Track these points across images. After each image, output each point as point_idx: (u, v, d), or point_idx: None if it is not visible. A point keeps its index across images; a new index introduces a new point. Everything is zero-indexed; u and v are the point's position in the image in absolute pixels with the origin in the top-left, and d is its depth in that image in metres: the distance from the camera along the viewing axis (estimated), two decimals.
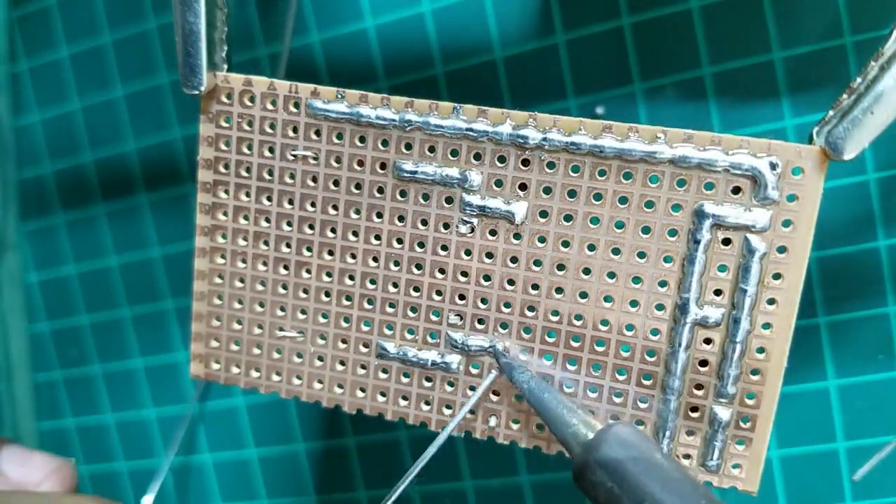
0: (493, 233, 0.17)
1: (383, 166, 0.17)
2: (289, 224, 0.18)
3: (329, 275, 0.18)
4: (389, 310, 0.18)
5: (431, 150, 0.17)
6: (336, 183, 0.17)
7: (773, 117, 0.20)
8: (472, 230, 0.17)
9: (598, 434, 0.15)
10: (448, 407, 0.18)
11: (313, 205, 0.17)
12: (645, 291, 0.16)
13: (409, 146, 0.17)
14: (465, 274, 0.17)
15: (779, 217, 0.15)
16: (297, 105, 0.17)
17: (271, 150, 0.17)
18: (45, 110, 0.27)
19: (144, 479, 0.27)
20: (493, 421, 0.17)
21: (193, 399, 0.26)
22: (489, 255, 0.17)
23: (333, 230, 0.18)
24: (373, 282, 0.18)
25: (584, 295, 0.16)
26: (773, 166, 0.15)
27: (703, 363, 0.16)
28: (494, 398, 0.17)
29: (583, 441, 0.15)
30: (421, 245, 0.17)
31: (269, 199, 0.18)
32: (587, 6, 0.21)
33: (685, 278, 0.16)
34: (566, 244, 0.16)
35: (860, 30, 0.20)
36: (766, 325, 0.16)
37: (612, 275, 0.16)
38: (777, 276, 0.15)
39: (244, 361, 0.19)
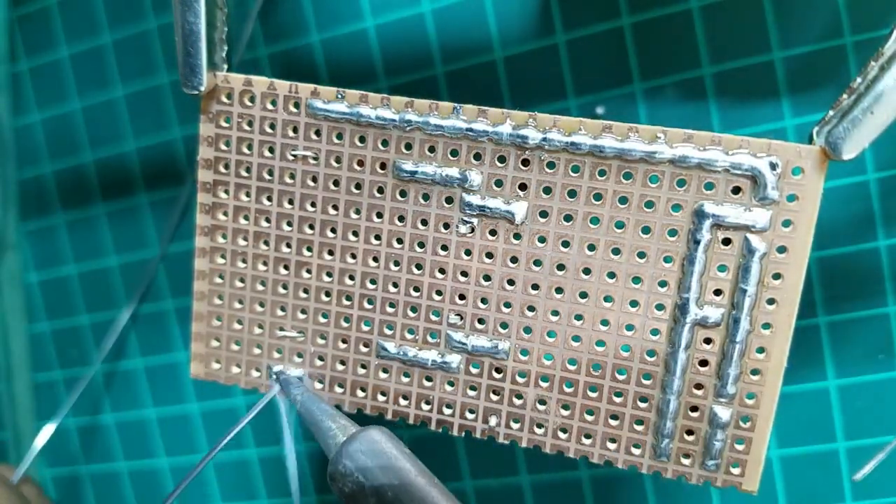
0: (493, 233, 0.17)
1: (383, 166, 0.17)
2: (289, 224, 0.18)
3: (329, 275, 0.18)
4: (389, 309, 0.18)
5: (431, 150, 0.17)
6: (336, 183, 0.17)
7: (773, 117, 0.20)
8: (472, 230, 0.17)
9: (349, 437, 0.16)
10: (448, 406, 0.18)
11: (313, 205, 0.17)
12: (645, 291, 0.16)
13: (409, 146, 0.17)
14: (465, 274, 0.17)
15: (779, 217, 0.15)
16: (297, 105, 0.17)
17: (271, 150, 0.17)
18: (45, 110, 0.27)
19: (144, 479, 0.27)
20: (493, 421, 0.17)
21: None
22: (489, 255, 0.17)
23: (333, 230, 0.18)
24: (373, 282, 0.18)
25: (584, 295, 0.16)
26: (773, 166, 0.15)
27: (703, 363, 0.16)
28: (495, 397, 0.17)
29: (338, 443, 0.16)
30: (421, 245, 0.17)
31: (270, 199, 0.18)
32: (587, 6, 0.21)
33: (685, 278, 0.16)
34: (566, 244, 0.16)
35: (860, 30, 0.20)
36: (766, 325, 0.16)
37: (612, 275, 0.16)
38: (777, 276, 0.15)
39: (244, 361, 0.19)
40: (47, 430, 0.26)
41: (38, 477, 0.29)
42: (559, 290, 0.17)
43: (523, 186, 0.16)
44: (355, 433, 0.16)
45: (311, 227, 0.18)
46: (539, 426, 0.17)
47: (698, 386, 0.16)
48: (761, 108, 0.21)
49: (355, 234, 0.17)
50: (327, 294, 0.18)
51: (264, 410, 0.26)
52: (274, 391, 0.18)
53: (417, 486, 0.15)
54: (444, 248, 0.17)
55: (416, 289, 0.17)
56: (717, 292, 0.16)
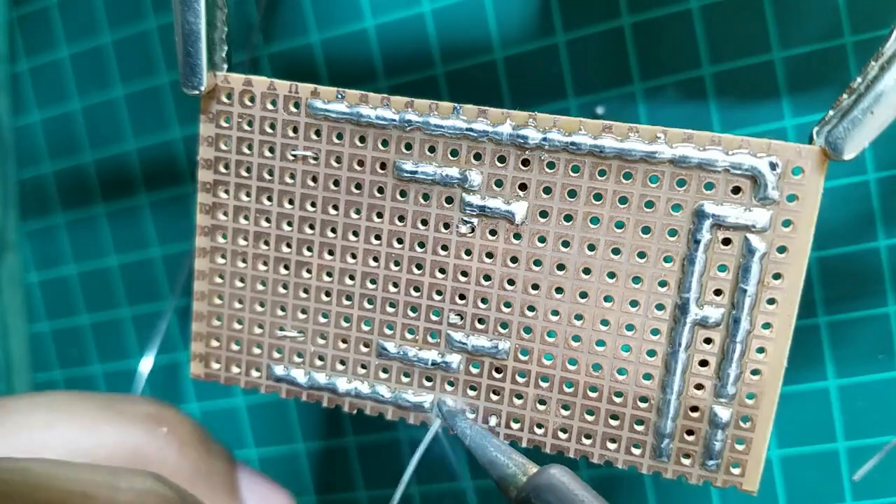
0: (493, 233, 0.17)
1: (383, 166, 0.17)
2: (289, 224, 0.18)
3: (329, 274, 0.18)
4: (390, 309, 0.18)
5: (431, 150, 0.17)
6: (336, 183, 0.17)
7: (773, 117, 0.20)
8: (473, 230, 0.17)
9: (531, 478, 0.15)
10: None
11: (313, 205, 0.17)
12: (645, 291, 0.16)
13: (409, 146, 0.17)
14: (465, 274, 0.17)
15: (779, 217, 0.15)
16: (297, 105, 0.17)
17: (271, 149, 0.17)
18: (45, 110, 0.27)
19: None
20: (493, 421, 0.17)
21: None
22: (489, 255, 0.17)
23: (334, 230, 0.18)
24: (373, 281, 0.18)
25: (584, 295, 0.16)
26: (773, 166, 0.15)
27: (703, 363, 0.16)
28: (495, 397, 0.17)
29: (518, 484, 0.15)
30: (421, 245, 0.17)
31: (270, 199, 0.18)
32: (587, 6, 0.21)
33: (685, 278, 0.16)
34: (566, 244, 0.16)
35: (860, 30, 0.20)
36: (766, 325, 0.16)
37: (612, 275, 0.16)
38: (777, 276, 0.15)
39: (244, 361, 0.19)
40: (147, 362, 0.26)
41: None
42: (559, 290, 0.17)
43: (523, 186, 0.16)
44: (540, 473, 0.15)
45: (312, 227, 0.18)
46: (539, 426, 0.17)
47: (698, 386, 0.16)
48: (761, 108, 0.21)
49: (355, 233, 0.17)
50: (327, 294, 0.18)
51: (266, 410, 0.26)
52: (436, 426, 0.17)
53: None
54: (445, 248, 0.17)
55: (417, 289, 0.17)
56: (718, 292, 0.16)
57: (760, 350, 0.16)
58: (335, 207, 0.17)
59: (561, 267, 0.16)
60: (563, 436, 0.17)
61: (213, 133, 0.18)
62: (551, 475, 0.15)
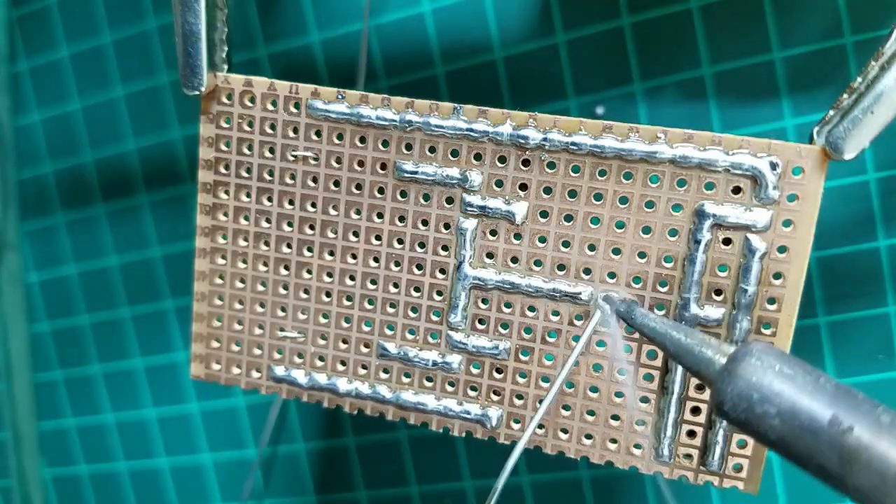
0: (493, 233, 0.17)
1: (384, 167, 0.17)
2: (289, 224, 0.18)
3: (330, 275, 0.18)
4: (390, 310, 0.18)
5: (432, 150, 0.17)
6: (336, 183, 0.17)
7: (774, 117, 0.20)
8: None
9: (736, 356, 0.13)
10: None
11: (314, 205, 0.17)
12: (645, 291, 0.16)
13: (409, 146, 0.17)
14: None
15: (779, 217, 0.15)
16: (297, 105, 0.17)
17: (272, 150, 0.17)
18: (45, 110, 0.27)
19: (144, 479, 0.27)
20: (493, 421, 0.17)
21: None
22: (489, 255, 0.17)
23: (334, 230, 0.18)
24: (373, 282, 0.18)
25: None
26: (773, 166, 0.15)
27: None
28: (495, 398, 0.17)
29: (719, 367, 0.13)
30: (422, 245, 0.17)
31: (270, 199, 0.18)
32: (587, 6, 0.21)
33: (686, 278, 0.16)
34: (566, 244, 0.16)
35: (860, 30, 0.20)
36: (767, 325, 0.16)
37: (612, 275, 0.16)
38: (777, 276, 0.15)
39: (245, 362, 0.19)
40: None
41: (39, 477, 0.29)
42: None
43: (524, 186, 0.16)
44: (741, 350, 0.13)
45: (312, 227, 0.18)
46: (540, 426, 0.17)
47: (699, 387, 0.16)
48: (761, 108, 0.21)
49: (356, 234, 0.17)
50: (328, 294, 0.18)
51: (266, 410, 0.26)
52: (614, 327, 0.16)
53: (847, 398, 0.12)
54: (445, 248, 0.17)
55: (417, 289, 0.17)
56: (718, 292, 0.16)
57: None
58: (335, 208, 0.17)
59: (561, 267, 0.16)
60: (563, 436, 0.17)
61: (214, 134, 0.18)
62: (757, 349, 0.13)
